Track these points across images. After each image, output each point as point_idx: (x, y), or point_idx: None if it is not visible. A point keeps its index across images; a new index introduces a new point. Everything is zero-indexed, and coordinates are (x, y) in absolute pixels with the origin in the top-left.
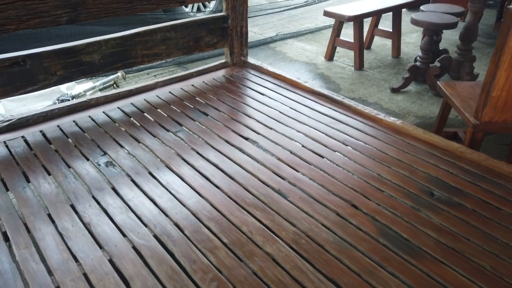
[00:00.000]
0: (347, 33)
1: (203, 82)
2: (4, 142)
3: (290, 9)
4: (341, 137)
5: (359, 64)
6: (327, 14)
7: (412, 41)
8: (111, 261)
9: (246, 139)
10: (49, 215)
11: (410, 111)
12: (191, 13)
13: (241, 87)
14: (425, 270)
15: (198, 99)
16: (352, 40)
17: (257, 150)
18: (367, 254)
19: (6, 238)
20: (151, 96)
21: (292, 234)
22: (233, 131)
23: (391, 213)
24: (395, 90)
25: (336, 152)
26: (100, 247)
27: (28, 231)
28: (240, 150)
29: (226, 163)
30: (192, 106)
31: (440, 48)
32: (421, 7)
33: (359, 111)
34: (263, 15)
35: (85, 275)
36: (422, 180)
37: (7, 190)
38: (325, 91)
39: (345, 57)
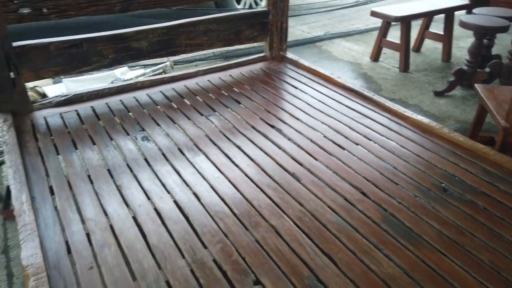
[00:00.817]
0: (397, 35)
1: (241, 73)
2: (60, 114)
3: (341, 8)
4: (364, 131)
5: (404, 66)
6: (374, 14)
7: (466, 45)
8: (134, 218)
9: (272, 126)
10: (89, 176)
11: (451, 116)
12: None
13: (276, 80)
14: (421, 256)
15: (234, 88)
16: (398, 42)
17: (280, 137)
18: (365, 236)
19: (52, 192)
20: (191, 83)
21: (297, 212)
22: (261, 118)
23: (398, 203)
24: (438, 94)
25: (357, 145)
26: (127, 205)
27: (70, 187)
28: (264, 136)
29: (248, 146)
30: (226, 94)
31: (493, 53)
32: (474, 10)
33: (387, 108)
34: (313, 13)
35: (111, 226)
36: (437, 176)
37: (58, 153)
38: (355, 87)
39: (391, 58)
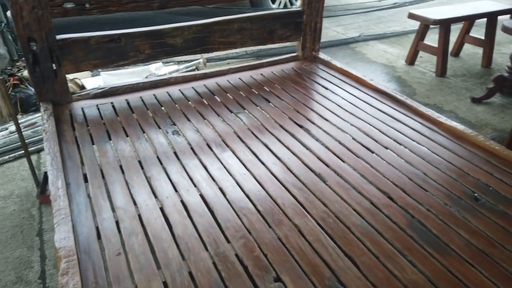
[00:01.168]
0: (435, 38)
1: (272, 72)
2: (97, 105)
3: (378, 10)
4: (394, 135)
5: (441, 71)
6: (412, 16)
7: (508, 51)
8: (161, 209)
9: (300, 126)
10: (121, 166)
11: (488, 123)
12: (277, 10)
13: (307, 80)
14: (447, 265)
15: (264, 87)
16: (436, 45)
17: (308, 137)
18: (390, 241)
19: (86, 179)
20: (222, 80)
21: (321, 213)
22: (289, 118)
23: (426, 209)
24: (476, 100)
25: (386, 149)
26: (155, 196)
27: (103, 176)
28: (292, 135)
29: (275, 145)
30: (256, 93)
31: None
32: None
33: (420, 112)
34: (348, 15)
35: (139, 216)
36: (469, 185)
37: (93, 143)
38: (388, 90)
39: (428, 62)
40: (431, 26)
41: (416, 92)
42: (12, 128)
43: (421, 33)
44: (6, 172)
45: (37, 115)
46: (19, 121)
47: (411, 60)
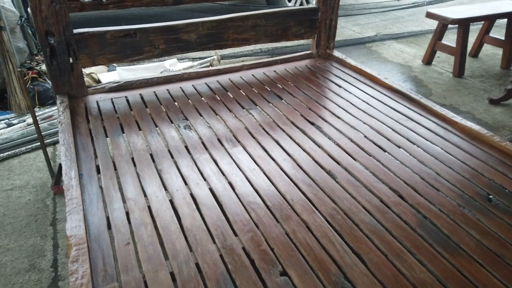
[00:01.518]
0: (453, 38)
1: (285, 69)
2: (111, 99)
3: (396, 10)
4: (408, 134)
5: (459, 71)
6: (430, 15)
7: None
8: (171, 201)
9: (312, 124)
10: (132, 159)
11: (506, 125)
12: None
13: (321, 77)
14: (457, 265)
15: (277, 84)
16: (454, 45)
17: (319, 135)
18: (399, 239)
19: (98, 170)
20: (235, 76)
21: (330, 209)
22: (301, 115)
23: (438, 209)
24: (494, 102)
25: (399, 148)
26: (165, 189)
27: (115, 168)
28: (303, 132)
29: (286, 141)
30: (269, 89)
31: None
32: None
33: (435, 112)
34: (366, 14)
35: (149, 207)
36: (482, 185)
37: (106, 136)
38: (402, 88)
39: (445, 62)
40: (449, 25)
41: (432, 92)
42: (30, 120)
43: (439, 32)
44: (23, 163)
45: (54, 108)
46: (37, 114)
47: (428, 60)
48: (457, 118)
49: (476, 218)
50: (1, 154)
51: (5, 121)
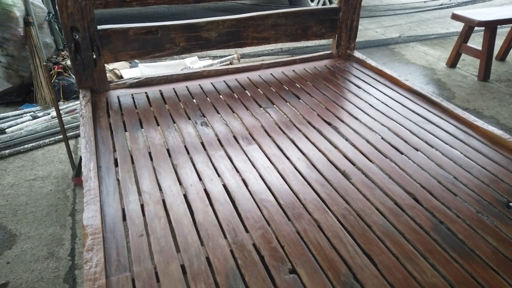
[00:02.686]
0: (480, 41)
1: (304, 69)
2: (132, 95)
3: (422, 11)
4: (426, 137)
5: (484, 75)
6: (455, 17)
7: None
8: (185, 196)
9: (329, 124)
10: (150, 153)
11: None
12: None
13: (340, 78)
14: (470, 270)
15: (296, 83)
16: (480, 48)
17: (335, 135)
18: (412, 243)
19: (116, 163)
20: (254, 75)
21: (343, 210)
22: (318, 115)
23: (454, 214)
24: None
25: (417, 151)
26: (180, 183)
27: (132, 161)
28: (319, 132)
29: (301, 141)
30: (287, 89)
31: None
32: None
33: (455, 115)
34: (390, 15)
35: (163, 201)
36: (501, 191)
37: (125, 130)
38: (422, 91)
39: (470, 66)
40: (476, 28)
41: (456, 95)
42: (54, 113)
43: (465, 35)
44: (46, 155)
45: (77, 102)
46: (61, 108)
47: (453, 62)
48: (479, 122)
49: (493, 225)
50: (26, 145)
51: (31, 113)
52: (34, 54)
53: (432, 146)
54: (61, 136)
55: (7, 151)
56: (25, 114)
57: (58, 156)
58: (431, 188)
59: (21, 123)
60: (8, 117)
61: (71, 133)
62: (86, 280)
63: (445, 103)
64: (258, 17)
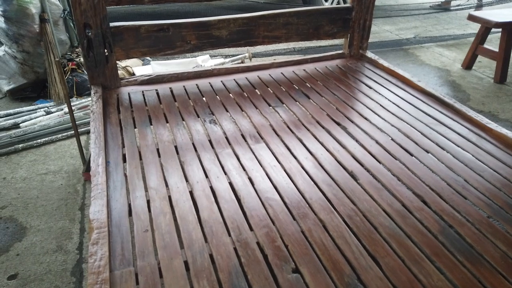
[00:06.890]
0: (497, 43)
1: (315, 68)
2: (142, 92)
3: (439, 12)
4: (437, 139)
5: (500, 77)
6: (472, 18)
7: None
8: (191, 192)
9: (338, 124)
10: (157, 150)
11: None
12: None
13: (351, 78)
14: (478, 275)
15: (306, 83)
16: (497, 50)
17: (344, 135)
18: (418, 245)
19: (124, 159)
20: (264, 74)
21: (349, 210)
22: (327, 114)
23: (463, 217)
24: None
25: (427, 152)
26: (186, 180)
27: (140, 157)
28: (328, 132)
29: (310, 140)
30: (297, 88)
31: None
32: None
33: (468, 117)
34: (405, 15)
35: (169, 197)
36: None
37: (135, 127)
38: (435, 92)
39: (487, 67)
40: (493, 29)
41: (471, 98)
42: (67, 109)
43: (481, 36)
44: (58, 149)
45: (90, 98)
46: (74, 104)
47: (468, 64)
48: (492, 125)
49: (504, 229)
50: (39, 140)
51: (44, 109)
52: (49, 50)
53: (443, 148)
54: (73, 131)
55: (20, 145)
56: (39, 110)
57: (70, 151)
58: (441, 190)
59: (35, 118)
60: (23, 112)
61: (83, 129)
62: (90, 273)
63: (457, 105)
64: (270, 15)
